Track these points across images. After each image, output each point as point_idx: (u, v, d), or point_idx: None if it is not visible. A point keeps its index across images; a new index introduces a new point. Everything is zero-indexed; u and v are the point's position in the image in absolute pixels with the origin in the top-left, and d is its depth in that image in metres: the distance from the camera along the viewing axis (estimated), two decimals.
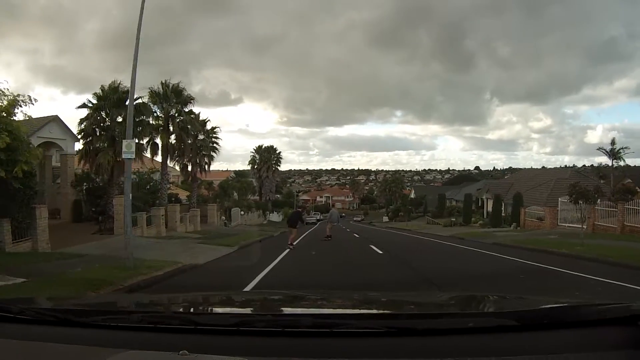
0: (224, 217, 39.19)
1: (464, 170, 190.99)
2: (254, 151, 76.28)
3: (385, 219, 79.90)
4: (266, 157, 74.91)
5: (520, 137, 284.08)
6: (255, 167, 76.07)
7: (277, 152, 75.93)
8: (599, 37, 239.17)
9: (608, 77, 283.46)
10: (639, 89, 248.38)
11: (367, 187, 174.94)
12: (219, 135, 38.54)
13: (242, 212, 47.92)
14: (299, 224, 19.77)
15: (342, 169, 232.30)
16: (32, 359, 1.37)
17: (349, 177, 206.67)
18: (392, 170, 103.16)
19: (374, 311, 2.13)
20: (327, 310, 2.09)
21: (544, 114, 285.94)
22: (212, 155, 37.48)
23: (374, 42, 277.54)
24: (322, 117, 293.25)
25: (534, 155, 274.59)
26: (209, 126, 37.82)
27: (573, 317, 1.60)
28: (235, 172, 67.76)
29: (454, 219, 40.81)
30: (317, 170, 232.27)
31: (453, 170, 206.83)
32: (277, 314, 1.93)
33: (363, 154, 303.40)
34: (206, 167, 37.66)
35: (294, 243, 18.55)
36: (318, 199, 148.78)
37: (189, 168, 36.00)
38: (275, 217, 68.92)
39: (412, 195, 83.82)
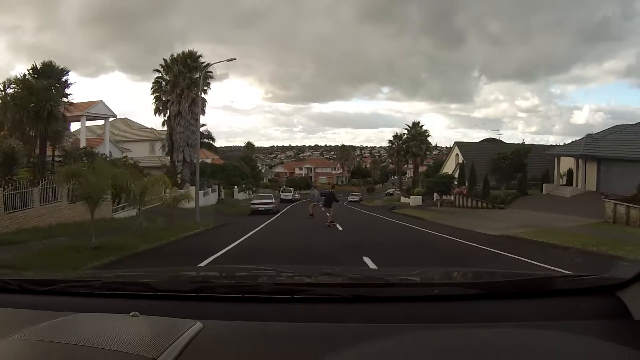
0: None
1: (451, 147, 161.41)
2: (161, 68, 36.22)
3: (412, 199, 41.34)
4: (180, 73, 34.94)
5: (506, 116, 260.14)
6: (162, 97, 36.19)
7: (203, 63, 35.80)
8: (592, 17, 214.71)
9: (598, 57, 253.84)
10: (628, 70, 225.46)
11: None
12: None
13: None
14: (333, 203, 18.89)
15: (325, 145, 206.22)
16: None
17: (332, 153, 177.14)
18: (403, 132, 61.16)
19: (335, 280, 1.95)
20: (287, 279, 1.93)
21: (532, 93, 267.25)
22: None
23: (364, 16, 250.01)
24: (307, 93, 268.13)
25: (519, 134, 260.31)
26: None
27: (545, 288, 1.51)
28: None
29: None
30: (300, 146, 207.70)
31: (440, 147, 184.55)
32: (238, 281, 1.84)
33: (347, 131, 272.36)
34: None
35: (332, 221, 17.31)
36: (297, 171, 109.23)
37: None
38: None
39: (456, 160, 45.12)
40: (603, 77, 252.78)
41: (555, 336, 1.14)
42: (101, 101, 34.33)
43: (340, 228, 16.18)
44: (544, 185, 30.25)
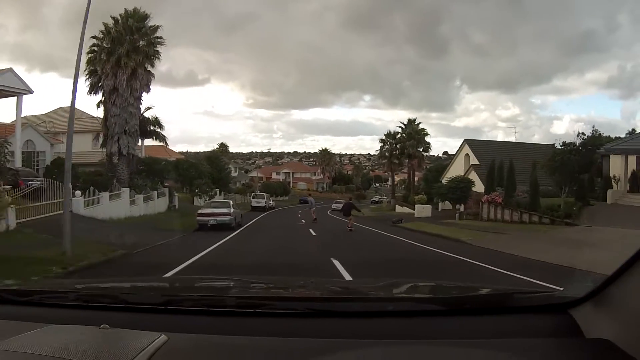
0: None
1: (432, 156, 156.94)
2: (101, 34, 27.26)
3: (418, 209, 33.32)
4: (119, 36, 26.10)
5: (486, 125, 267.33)
6: (98, 70, 27.16)
7: (152, 26, 27.03)
8: (576, 29, 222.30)
9: (580, 69, 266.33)
10: (610, 82, 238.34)
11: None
12: None
13: None
14: (353, 212, 20.67)
15: (304, 152, 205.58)
16: None
17: (312, 159, 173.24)
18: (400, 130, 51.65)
19: (297, 294, 1.94)
20: (252, 292, 1.97)
21: (513, 103, 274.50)
22: None
23: (348, 24, 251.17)
24: (288, 100, 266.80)
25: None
26: None
27: (500, 304, 1.51)
28: None
29: None
30: (279, 152, 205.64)
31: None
32: (204, 294, 1.86)
33: (327, 138, 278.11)
34: None
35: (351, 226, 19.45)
36: (275, 176, 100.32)
37: None
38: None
39: (465, 161, 37.40)
40: (584, 88, 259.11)
41: (506, 354, 1.13)
42: (10, 69, 25.14)
43: (349, 278, 7.79)
44: (609, 192, 22.44)
